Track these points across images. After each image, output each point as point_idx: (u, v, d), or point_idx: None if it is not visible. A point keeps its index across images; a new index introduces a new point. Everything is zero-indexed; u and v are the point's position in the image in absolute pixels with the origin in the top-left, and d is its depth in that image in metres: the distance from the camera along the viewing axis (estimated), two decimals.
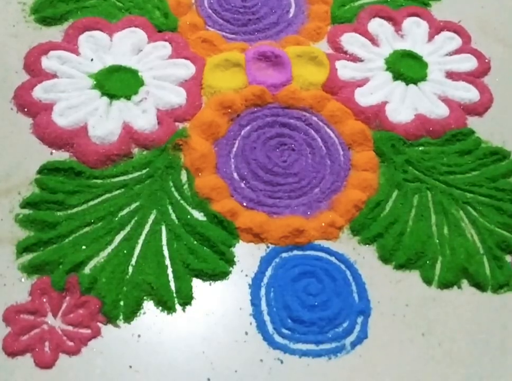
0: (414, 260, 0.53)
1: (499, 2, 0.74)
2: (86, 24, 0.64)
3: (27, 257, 0.50)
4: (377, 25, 0.68)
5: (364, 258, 0.53)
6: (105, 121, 0.57)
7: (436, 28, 0.69)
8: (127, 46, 0.63)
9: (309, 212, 0.54)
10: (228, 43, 0.65)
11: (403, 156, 0.58)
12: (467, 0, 0.74)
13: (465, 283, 0.53)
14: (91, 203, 0.53)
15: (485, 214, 0.56)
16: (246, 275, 0.51)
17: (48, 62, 0.61)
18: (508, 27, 0.72)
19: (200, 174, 0.55)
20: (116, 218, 0.52)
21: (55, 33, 0.64)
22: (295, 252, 0.52)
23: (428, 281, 0.52)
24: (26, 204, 0.52)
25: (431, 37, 0.69)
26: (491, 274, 0.53)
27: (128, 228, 0.52)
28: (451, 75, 0.66)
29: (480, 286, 0.52)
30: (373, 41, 0.67)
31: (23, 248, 0.50)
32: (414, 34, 0.68)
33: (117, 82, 0.60)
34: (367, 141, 0.59)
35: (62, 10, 0.65)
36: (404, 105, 0.62)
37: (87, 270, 0.49)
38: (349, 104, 0.61)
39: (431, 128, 0.61)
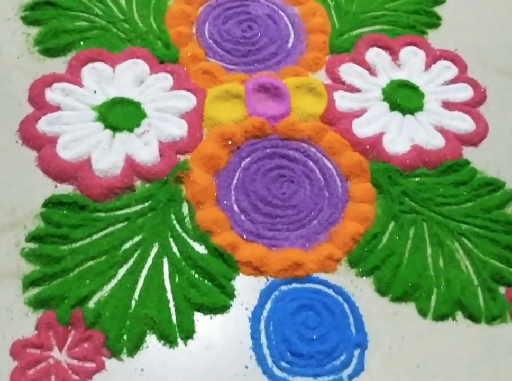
0: (410, 293, 0.55)
1: (495, 30, 0.76)
2: (89, 55, 0.66)
3: (33, 291, 0.52)
4: (374, 55, 0.70)
5: (362, 291, 0.55)
6: (108, 154, 0.59)
7: (433, 57, 0.71)
8: (130, 77, 0.65)
9: (307, 245, 0.57)
10: (228, 73, 0.67)
11: (400, 188, 0.61)
12: (464, 28, 0.76)
13: (459, 315, 0.55)
14: (95, 237, 0.55)
15: (479, 245, 0.58)
16: (246, 309, 0.53)
17: (52, 95, 0.63)
18: (503, 55, 0.74)
19: (201, 207, 0.57)
20: (119, 252, 0.54)
21: (58, 64, 0.66)
22: (294, 285, 0.54)
23: (423, 313, 0.54)
24: (31, 238, 0.54)
25: (428, 66, 0.71)
26: (485, 306, 0.55)
27: (131, 262, 0.54)
28: (447, 105, 0.68)
29: (474, 317, 0.54)
30: (371, 70, 0.69)
31: (29, 282, 0.52)
32: (411, 63, 0.70)
33: (120, 115, 0.62)
34: (364, 173, 0.61)
35: (65, 41, 0.67)
36: (401, 136, 0.64)
37: (91, 304, 0.51)
38: (347, 135, 0.63)
39: (427, 159, 0.63)
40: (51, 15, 0.69)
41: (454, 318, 0.54)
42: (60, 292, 0.51)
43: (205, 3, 0.73)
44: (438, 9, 0.77)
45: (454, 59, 0.72)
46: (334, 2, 0.75)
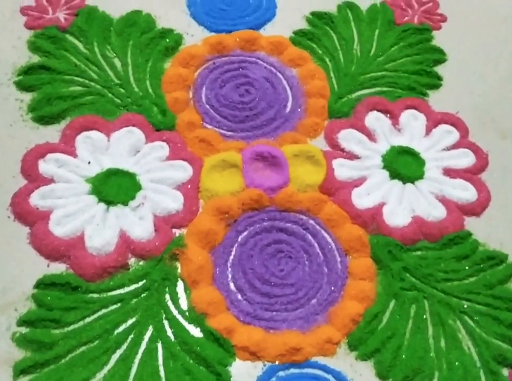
0: (411, 377, 0.54)
1: (497, 91, 0.76)
2: (83, 123, 0.66)
3: (24, 379, 0.51)
4: (374, 119, 0.71)
5: (362, 375, 0.54)
6: (102, 230, 0.59)
7: (434, 121, 0.71)
8: (125, 146, 0.65)
9: (306, 327, 0.56)
10: (225, 141, 0.67)
11: (400, 263, 0.60)
12: (465, 88, 0.76)
13: None
14: (88, 320, 0.54)
15: (482, 324, 0.58)
16: None
17: (45, 166, 0.62)
18: (505, 117, 0.74)
19: (196, 286, 0.57)
20: (112, 336, 0.53)
21: (52, 133, 0.66)
22: (292, 370, 0.54)
23: None
24: (23, 322, 0.54)
25: (428, 131, 0.71)
26: None
27: (124, 347, 0.53)
28: (449, 172, 0.68)
29: None
30: (370, 136, 0.69)
31: (20, 370, 0.51)
32: (411, 128, 0.70)
33: (114, 187, 0.62)
34: (364, 247, 0.61)
35: (59, 108, 0.67)
36: (402, 206, 0.64)
37: None
38: (346, 207, 0.63)
39: (428, 232, 0.63)
40: (45, 80, 0.69)
41: None
42: None
43: (202, 66, 0.73)
44: (439, 69, 0.77)
45: (455, 122, 0.72)
46: (333, 63, 0.75)
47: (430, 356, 0.55)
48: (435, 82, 0.75)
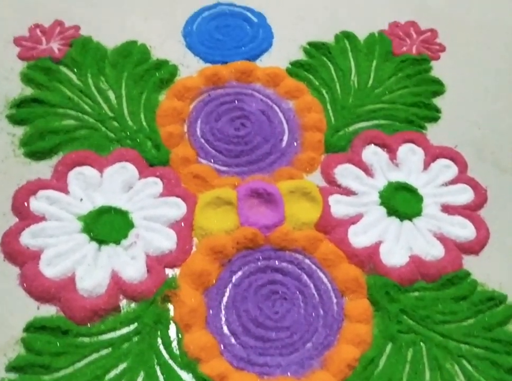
0: None
1: (495, 123, 0.76)
2: (76, 159, 0.65)
3: None
4: (371, 154, 0.70)
5: None
6: (93, 271, 0.58)
7: (432, 155, 0.71)
8: (118, 183, 0.64)
9: (301, 372, 0.55)
10: (220, 177, 0.67)
11: (398, 305, 0.59)
12: (464, 121, 0.75)
13: None
14: (78, 365, 0.54)
15: (480, 368, 0.57)
16: None
17: (36, 203, 0.62)
18: (505, 150, 0.73)
19: (189, 330, 0.56)
20: None
21: (44, 168, 0.65)
22: None
23: None
24: (12, 368, 0.53)
25: (426, 165, 0.70)
26: None
27: None
28: (447, 208, 0.67)
29: None
30: (367, 171, 0.69)
31: None
32: (409, 163, 0.70)
33: (107, 225, 0.61)
34: (361, 288, 0.60)
35: (52, 143, 0.66)
36: (399, 245, 0.64)
37: None
38: (343, 246, 0.62)
39: (426, 272, 0.62)
40: (38, 113, 0.69)
41: None
42: None
43: (197, 98, 0.73)
44: (438, 100, 0.77)
45: (454, 157, 0.71)
46: (329, 95, 0.75)
47: None
48: (434, 115, 0.75)
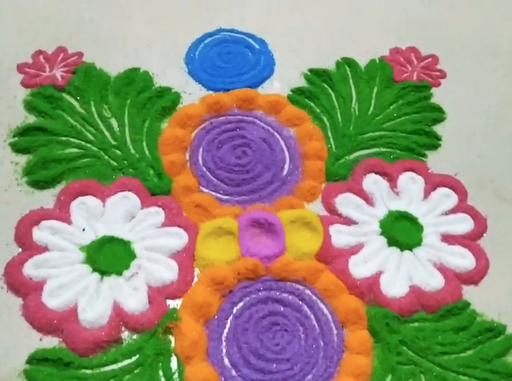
0: None
1: (496, 151, 0.76)
2: (78, 189, 0.66)
3: None
4: (372, 182, 0.71)
5: None
6: (95, 302, 0.59)
7: (432, 184, 0.72)
8: (120, 213, 0.65)
9: None
10: (221, 206, 0.67)
11: (398, 336, 0.60)
12: (464, 149, 0.76)
13: None
14: None
15: None
16: None
17: (39, 234, 0.63)
18: (505, 178, 0.74)
19: (190, 362, 0.57)
20: None
21: (47, 197, 0.66)
22: None
23: None
24: None
25: (427, 194, 0.71)
26: None
27: None
28: (447, 238, 0.68)
29: None
30: (368, 200, 0.70)
31: None
32: (409, 191, 0.71)
33: (109, 256, 0.62)
34: (361, 320, 0.61)
35: (55, 172, 0.67)
36: (399, 275, 0.64)
37: None
38: (343, 277, 0.63)
39: (426, 303, 0.62)
40: (41, 142, 0.70)
41: None
42: None
43: (199, 126, 0.74)
44: (438, 128, 0.77)
45: (454, 185, 0.72)
46: (330, 123, 0.76)
47: None
48: (434, 143, 0.76)
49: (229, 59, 0.81)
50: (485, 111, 0.80)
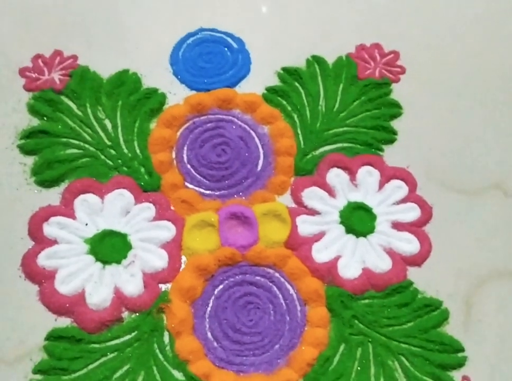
0: None
1: (445, 145, 0.87)
2: (80, 187, 0.77)
3: None
4: (334, 176, 0.82)
5: None
6: (99, 288, 0.71)
7: (387, 176, 0.83)
8: (116, 208, 0.77)
9: (270, 370, 0.70)
10: (204, 200, 0.79)
11: (351, 312, 0.73)
12: (417, 142, 0.86)
13: None
14: (91, 367, 0.67)
15: (416, 364, 0.71)
16: None
17: (49, 229, 0.74)
18: (451, 170, 0.85)
19: (179, 337, 0.70)
20: None
21: (54, 195, 0.77)
22: None
23: None
24: (37, 371, 0.67)
25: (381, 186, 0.82)
26: None
27: None
28: (397, 225, 0.80)
29: None
30: (330, 192, 0.81)
31: None
32: (366, 184, 0.82)
33: (109, 247, 0.74)
34: (320, 298, 0.74)
35: (58, 172, 0.78)
36: (354, 259, 0.77)
37: None
38: (307, 261, 0.75)
39: (375, 283, 0.75)
40: (45, 144, 0.80)
41: None
42: None
43: (183, 126, 0.85)
44: (395, 123, 0.88)
45: (405, 177, 0.83)
46: (300, 120, 0.86)
47: None
48: (391, 137, 0.86)
49: (210, 58, 0.91)
50: (439, 106, 0.90)
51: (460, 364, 0.71)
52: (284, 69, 0.91)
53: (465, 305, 0.75)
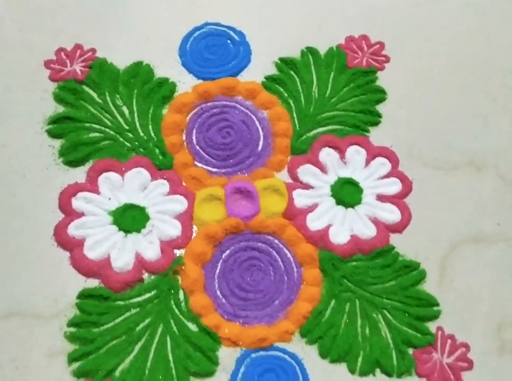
0: (344, 356, 0.77)
1: (425, 126, 0.95)
2: (102, 166, 0.86)
3: (75, 365, 0.74)
4: (326, 155, 0.91)
5: (309, 355, 0.78)
6: (122, 253, 0.81)
7: (372, 154, 0.92)
8: (135, 185, 0.86)
9: (271, 322, 0.80)
10: (211, 177, 0.88)
11: (340, 272, 0.83)
12: (399, 124, 0.95)
13: (378, 371, 0.78)
14: (117, 320, 0.77)
15: (396, 316, 0.80)
16: (227, 373, 0.76)
17: (77, 203, 0.84)
18: (429, 149, 0.93)
19: (193, 294, 0.80)
20: (135, 332, 0.76)
21: (80, 174, 0.86)
22: (261, 353, 0.77)
23: (352, 371, 0.77)
24: (71, 324, 0.77)
25: (367, 163, 0.91)
26: (397, 364, 0.77)
27: (143, 340, 0.76)
28: (381, 198, 0.89)
29: (388, 373, 0.77)
30: (323, 169, 0.91)
31: (72, 359, 0.74)
32: (354, 161, 0.91)
33: (130, 218, 0.83)
34: (314, 261, 0.83)
35: (83, 154, 0.87)
36: (343, 228, 0.86)
37: (117, 374, 0.74)
38: (302, 230, 0.85)
39: (362, 248, 0.85)
40: (70, 128, 0.89)
41: (374, 374, 0.77)
42: (94, 366, 0.74)
43: (192, 112, 0.93)
44: (380, 107, 0.96)
45: (389, 155, 0.92)
46: (295, 105, 0.95)
47: (357, 341, 0.78)
48: (376, 120, 0.95)
49: (214, 50, 0.99)
50: (418, 92, 0.98)
51: (435, 316, 0.81)
52: (281, 59, 0.99)
53: (439, 267, 0.85)
